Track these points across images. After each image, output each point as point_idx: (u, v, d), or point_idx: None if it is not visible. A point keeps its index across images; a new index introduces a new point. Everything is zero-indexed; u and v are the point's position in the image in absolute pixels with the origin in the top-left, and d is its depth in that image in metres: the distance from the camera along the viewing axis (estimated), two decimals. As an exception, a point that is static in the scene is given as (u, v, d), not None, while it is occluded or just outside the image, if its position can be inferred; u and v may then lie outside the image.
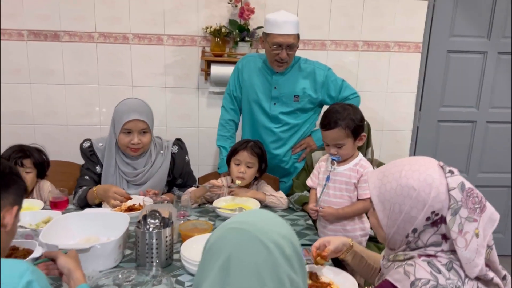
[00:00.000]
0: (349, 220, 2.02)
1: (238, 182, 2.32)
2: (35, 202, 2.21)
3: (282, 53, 2.48)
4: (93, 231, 1.82)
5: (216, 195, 2.33)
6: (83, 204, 2.22)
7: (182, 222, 2.02)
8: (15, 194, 1.19)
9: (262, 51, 2.67)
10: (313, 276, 1.61)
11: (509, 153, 3.51)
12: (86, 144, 2.34)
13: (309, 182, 2.15)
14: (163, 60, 3.12)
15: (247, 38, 3.02)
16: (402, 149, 3.43)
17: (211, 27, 2.96)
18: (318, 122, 2.41)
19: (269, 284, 0.83)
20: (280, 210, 2.32)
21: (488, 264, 1.19)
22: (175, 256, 1.76)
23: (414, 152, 3.48)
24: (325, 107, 2.50)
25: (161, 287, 1.53)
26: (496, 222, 1.17)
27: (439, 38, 3.27)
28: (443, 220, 1.16)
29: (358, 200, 2.00)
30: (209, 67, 3.03)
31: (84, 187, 2.24)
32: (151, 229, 1.67)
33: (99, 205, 2.21)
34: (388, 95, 3.32)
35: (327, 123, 1.97)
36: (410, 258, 1.20)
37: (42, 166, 2.38)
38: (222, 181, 2.43)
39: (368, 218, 1.75)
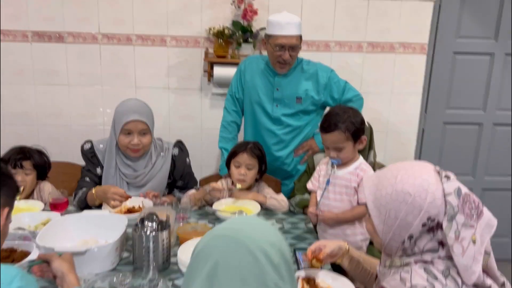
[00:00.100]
0: (349, 224, 2.00)
1: (238, 185, 2.31)
2: (35, 203, 2.21)
3: (284, 55, 2.47)
4: (91, 233, 1.81)
5: (216, 198, 2.32)
6: (83, 206, 2.22)
7: (181, 224, 2.01)
8: (5, 195, 1.18)
9: (265, 53, 2.65)
10: (311, 281, 1.59)
11: (516, 156, 3.46)
12: (87, 146, 2.34)
13: (309, 185, 2.13)
14: (167, 62, 3.11)
15: (250, 40, 3.00)
16: (407, 151, 3.39)
17: (214, 29, 2.95)
18: (320, 124, 2.39)
19: (255, 292, 0.82)
20: (280, 213, 2.30)
21: (486, 271, 1.17)
22: (173, 260, 1.75)
23: (419, 154, 3.44)
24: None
25: (157, 290, 1.52)
26: (494, 227, 1.14)
27: (445, 39, 3.23)
28: (439, 226, 1.13)
29: (359, 204, 1.97)
30: (212, 68, 3.02)
31: (84, 189, 2.24)
32: (148, 232, 1.65)
33: (99, 207, 2.21)
34: (393, 97, 3.28)
35: (327, 126, 1.95)
36: (406, 265, 1.18)
37: (43, 167, 2.38)
38: (223, 184, 2.41)
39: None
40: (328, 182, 1.99)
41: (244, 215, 2.16)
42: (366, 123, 2.13)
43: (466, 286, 1.11)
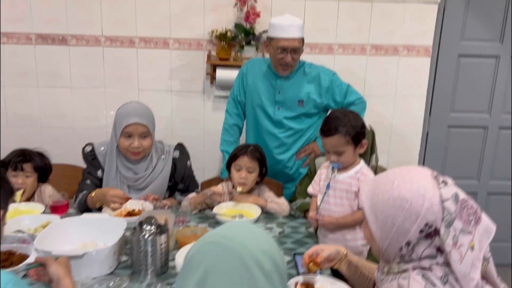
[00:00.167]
0: (349, 229, 1.98)
1: (239, 189, 2.30)
2: (36, 205, 2.21)
3: (287, 57, 2.46)
4: (91, 236, 1.81)
5: (217, 202, 2.31)
6: (84, 208, 2.22)
7: (180, 228, 2.00)
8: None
9: (268, 55, 2.65)
10: (309, 286, 1.57)
11: (522, 160, 3.42)
12: (88, 148, 2.34)
13: (310, 189, 2.11)
14: (169, 64, 3.11)
15: (252, 42, 3.00)
16: (411, 154, 3.36)
17: (216, 31, 2.95)
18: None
19: (245, 300, 0.82)
20: (281, 217, 2.29)
21: (485, 278, 1.15)
22: (172, 264, 1.74)
23: (423, 158, 3.41)
24: (330, 112, 2.47)
25: (153, 295, 1.51)
26: (492, 233, 1.12)
27: (449, 42, 3.20)
28: (437, 232, 1.12)
29: (359, 208, 1.95)
30: (214, 71, 3.02)
31: (85, 191, 2.24)
32: (146, 236, 1.64)
33: (99, 209, 2.21)
34: (397, 100, 3.26)
35: (327, 129, 1.93)
36: (404, 271, 1.16)
37: (44, 170, 2.38)
38: (223, 187, 2.40)
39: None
40: (328, 186, 1.97)
41: (243, 219, 2.15)
42: (368, 127, 2.11)
43: (464, 293, 1.09)
